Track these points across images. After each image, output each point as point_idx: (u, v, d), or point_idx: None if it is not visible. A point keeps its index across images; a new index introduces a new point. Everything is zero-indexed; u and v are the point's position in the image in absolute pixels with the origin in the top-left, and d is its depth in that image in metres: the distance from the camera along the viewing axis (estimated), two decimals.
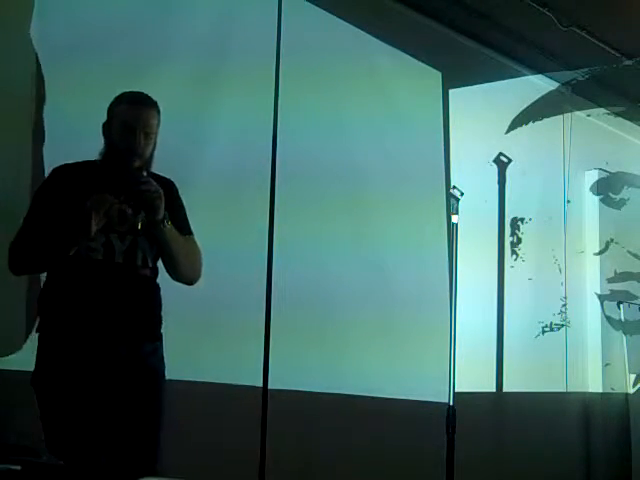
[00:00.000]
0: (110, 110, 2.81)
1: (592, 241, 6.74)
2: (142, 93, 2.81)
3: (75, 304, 2.68)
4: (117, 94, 2.85)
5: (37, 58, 3.51)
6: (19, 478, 2.03)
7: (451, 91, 5.61)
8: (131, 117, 2.73)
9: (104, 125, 2.82)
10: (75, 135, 3.46)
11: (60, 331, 2.68)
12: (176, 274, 2.87)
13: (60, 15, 3.63)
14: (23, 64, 3.51)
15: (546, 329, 6.20)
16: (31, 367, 2.77)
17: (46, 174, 2.94)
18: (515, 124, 6.12)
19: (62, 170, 2.80)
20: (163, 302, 2.92)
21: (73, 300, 2.68)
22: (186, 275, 2.90)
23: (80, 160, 2.83)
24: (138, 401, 2.71)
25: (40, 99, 3.53)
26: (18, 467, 2.07)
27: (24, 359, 3.24)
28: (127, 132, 2.72)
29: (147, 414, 2.74)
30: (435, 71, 5.55)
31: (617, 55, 5.78)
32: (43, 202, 2.75)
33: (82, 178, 2.74)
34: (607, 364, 6.63)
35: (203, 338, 3.89)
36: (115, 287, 2.70)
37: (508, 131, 6.09)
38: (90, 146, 2.86)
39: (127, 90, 2.87)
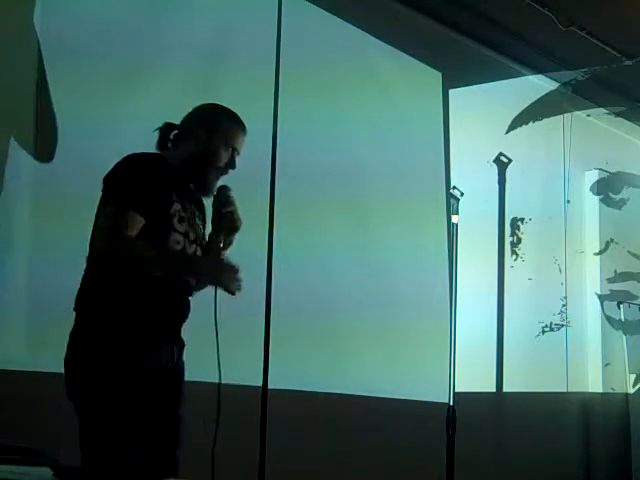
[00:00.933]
0: (214, 120, 2.75)
1: (592, 241, 6.75)
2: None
3: (125, 305, 2.57)
4: (214, 103, 2.81)
5: (40, 57, 3.51)
6: None
7: (451, 91, 5.62)
8: (237, 138, 2.78)
9: (193, 130, 2.72)
10: (75, 133, 3.47)
11: (109, 331, 2.54)
12: (201, 287, 2.87)
13: (64, 15, 3.64)
14: (25, 63, 3.51)
15: (546, 329, 6.19)
16: (31, 367, 2.75)
17: (45, 172, 2.91)
18: (515, 124, 6.12)
19: (147, 160, 2.63)
20: None
21: (123, 300, 2.57)
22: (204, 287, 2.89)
23: (78, 158, 2.78)
24: (176, 405, 2.74)
25: (42, 97, 3.53)
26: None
27: (24, 359, 3.25)
28: (229, 151, 2.76)
29: (179, 417, 2.77)
30: (435, 71, 5.55)
31: (617, 55, 5.78)
32: (139, 191, 2.54)
33: (164, 176, 2.64)
34: (607, 364, 6.63)
35: (202, 338, 3.88)
36: (165, 291, 2.65)
37: (508, 131, 6.09)
38: (91, 144, 2.85)
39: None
